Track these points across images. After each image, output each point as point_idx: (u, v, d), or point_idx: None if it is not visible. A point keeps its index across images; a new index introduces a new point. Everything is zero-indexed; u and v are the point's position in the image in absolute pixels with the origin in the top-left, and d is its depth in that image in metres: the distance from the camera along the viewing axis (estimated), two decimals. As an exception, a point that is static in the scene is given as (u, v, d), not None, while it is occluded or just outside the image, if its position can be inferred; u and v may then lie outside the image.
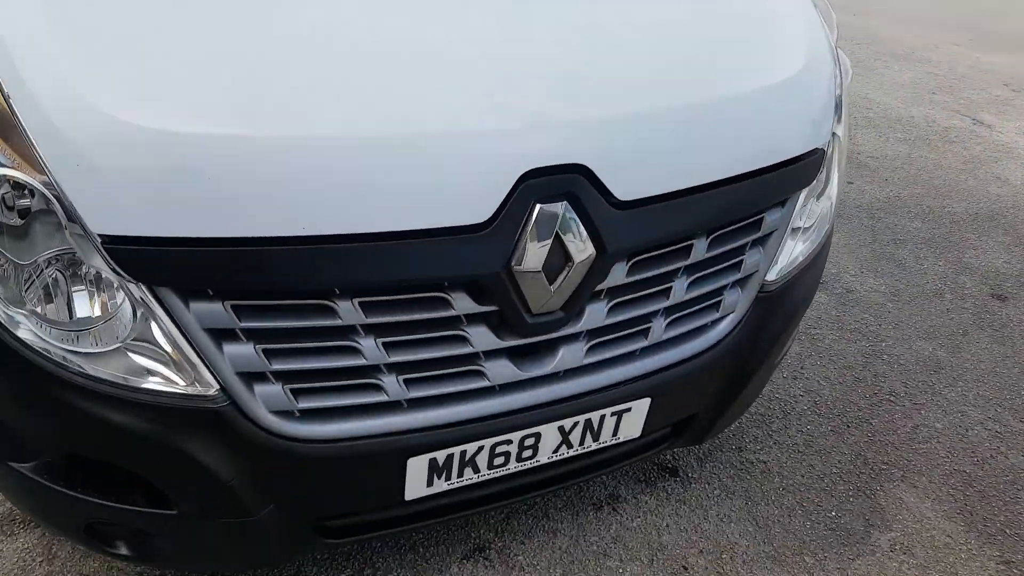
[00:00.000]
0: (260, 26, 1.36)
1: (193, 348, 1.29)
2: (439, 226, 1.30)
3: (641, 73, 1.53)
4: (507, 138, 1.36)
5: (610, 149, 1.42)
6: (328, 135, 1.27)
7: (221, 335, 1.30)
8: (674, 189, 1.48)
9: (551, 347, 1.52)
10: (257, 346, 1.31)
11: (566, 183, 1.37)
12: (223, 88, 1.26)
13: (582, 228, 1.38)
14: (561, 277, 1.40)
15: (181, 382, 1.32)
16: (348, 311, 1.32)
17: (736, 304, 1.73)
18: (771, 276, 1.78)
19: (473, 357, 1.45)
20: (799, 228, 1.81)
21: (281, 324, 1.31)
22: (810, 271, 1.91)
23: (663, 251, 1.53)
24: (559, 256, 1.38)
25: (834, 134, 1.80)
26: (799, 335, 2.97)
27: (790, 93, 1.67)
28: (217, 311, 1.27)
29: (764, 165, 1.60)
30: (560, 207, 1.36)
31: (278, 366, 1.34)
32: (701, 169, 1.52)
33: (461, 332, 1.41)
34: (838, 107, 1.83)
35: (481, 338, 1.43)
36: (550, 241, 1.37)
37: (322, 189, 1.25)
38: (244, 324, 1.28)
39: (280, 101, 1.27)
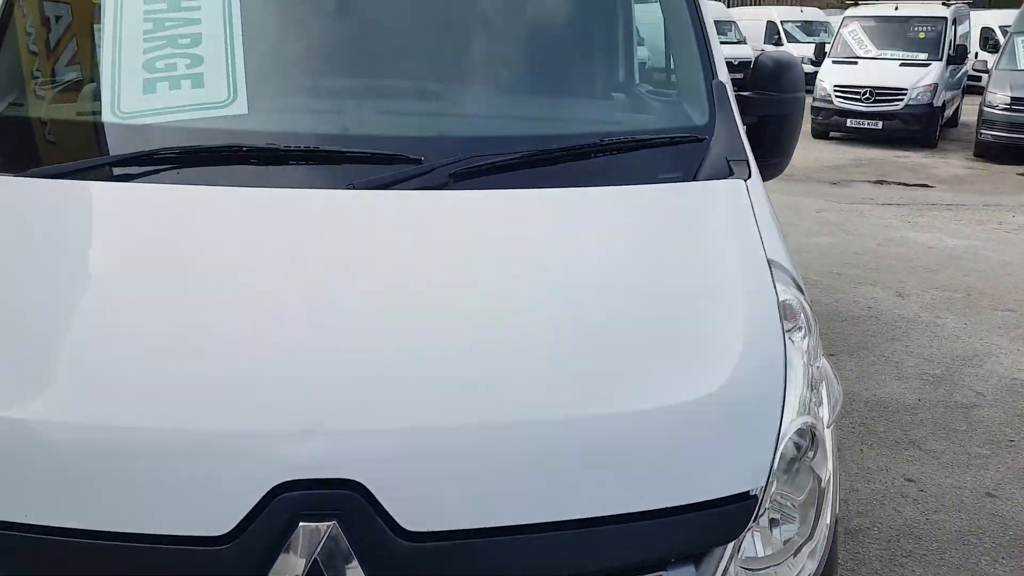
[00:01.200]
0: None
1: None
2: (171, 534, 1.12)
3: (470, 379, 1.30)
4: (264, 441, 1.16)
5: (397, 467, 1.18)
6: (48, 419, 1.16)
7: None
8: (492, 525, 1.19)
9: None
10: None
11: (337, 501, 1.14)
12: None
13: (353, 559, 1.14)
14: None
15: None
16: None
17: None
18: None
19: None
20: None
21: None
22: None
23: None
24: None
25: (816, 476, 1.46)
26: None
27: (699, 417, 1.34)
28: None
29: (647, 508, 1.26)
30: (324, 528, 1.13)
31: None
32: (544, 503, 1.21)
33: None
34: (815, 442, 1.48)
35: None
36: (304, 566, 1.13)
37: (41, 477, 1.14)
38: None
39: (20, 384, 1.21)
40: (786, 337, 1.55)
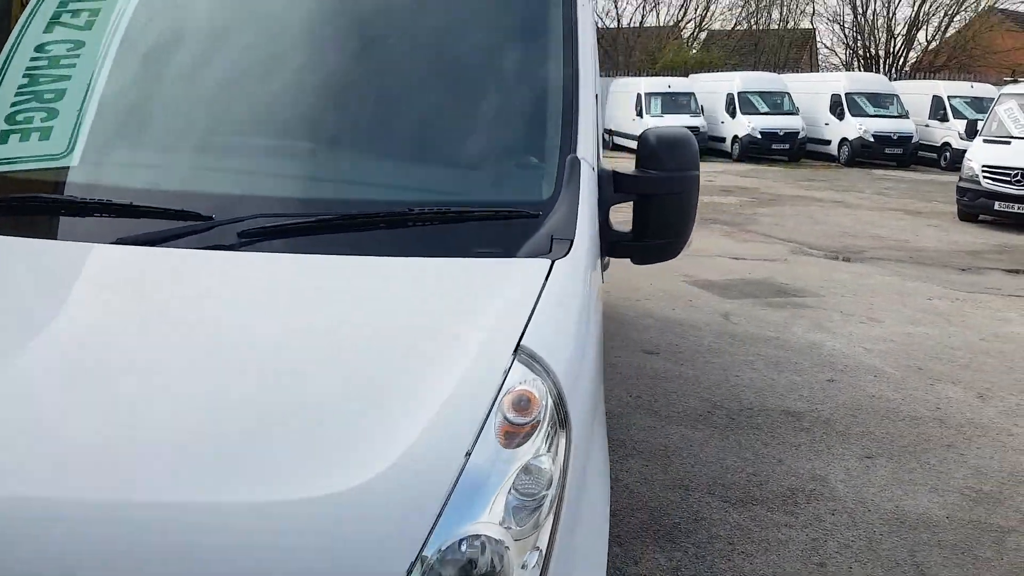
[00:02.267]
0: None
1: None
2: None
3: (141, 457, 1.31)
4: None
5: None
6: None
7: None
8: None
9: None
10: None
11: None
12: None
13: None
14: None
15: None
16: None
17: None
18: None
19: None
20: None
21: None
22: None
23: None
24: None
25: None
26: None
27: (342, 513, 1.27)
28: None
29: None
30: None
31: None
32: None
33: None
34: (491, 560, 1.30)
35: None
36: None
37: None
38: None
39: None
40: (494, 433, 1.39)
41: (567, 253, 1.81)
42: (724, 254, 9.94)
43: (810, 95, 24.85)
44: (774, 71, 28.36)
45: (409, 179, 2.06)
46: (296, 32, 2.20)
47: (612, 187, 2.11)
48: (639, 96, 25.41)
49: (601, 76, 25.86)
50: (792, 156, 24.15)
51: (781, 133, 23.76)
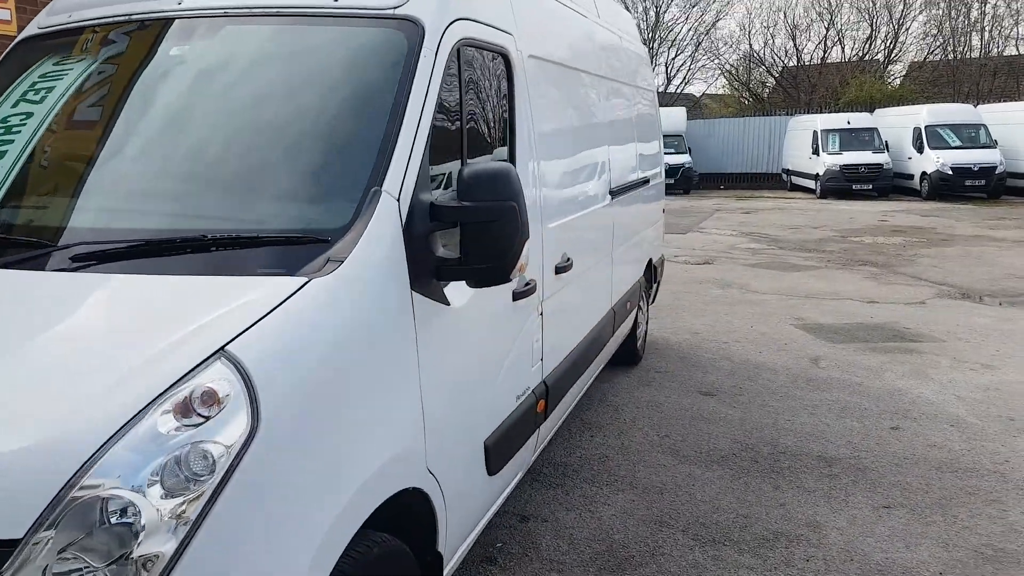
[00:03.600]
0: None
1: None
2: None
3: None
4: None
5: None
6: None
7: None
8: None
9: None
10: None
11: None
12: None
13: None
14: None
15: None
16: None
17: None
18: None
19: None
20: None
21: None
22: None
23: None
24: None
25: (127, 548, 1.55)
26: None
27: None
28: None
29: None
30: None
31: None
32: None
33: None
34: (134, 516, 1.58)
35: None
36: None
37: None
38: None
39: None
40: (165, 415, 1.67)
41: (329, 273, 2.06)
42: (857, 297, 9.44)
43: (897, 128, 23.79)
44: (976, 102, 26.10)
45: (228, 210, 2.38)
46: (155, 95, 2.70)
47: (429, 217, 2.37)
48: (815, 133, 24.38)
49: (775, 115, 24.79)
50: (990, 193, 22.05)
51: (975, 168, 21.78)
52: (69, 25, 3.00)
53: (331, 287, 2.06)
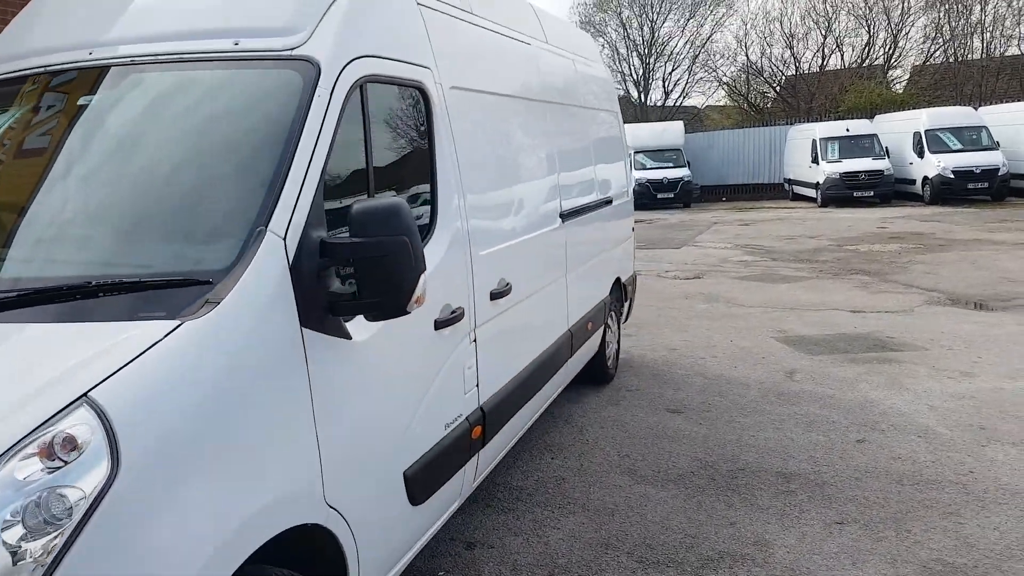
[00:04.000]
0: None
1: None
2: None
3: None
4: None
5: None
6: None
7: None
8: None
9: None
10: None
11: None
12: None
13: None
14: None
15: None
16: None
17: None
18: None
19: None
20: None
21: None
22: None
23: None
24: None
25: None
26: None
27: None
28: None
29: None
30: None
31: None
32: None
33: None
34: None
35: None
36: None
37: None
38: None
39: None
40: (26, 459, 1.72)
41: (204, 315, 2.08)
42: (844, 307, 9.40)
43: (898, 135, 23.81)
44: (979, 104, 25.96)
45: (115, 255, 2.43)
46: (56, 143, 2.75)
47: (319, 255, 2.39)
48: (814, 142, 24.34)
49: (776, 125, 24.83)
50: (994, 195, 21.90)
51: (977, 171, 21.64)
52: None
53: (205, 329, 2.08)
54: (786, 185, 27.61)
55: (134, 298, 2.22)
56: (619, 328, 6.82)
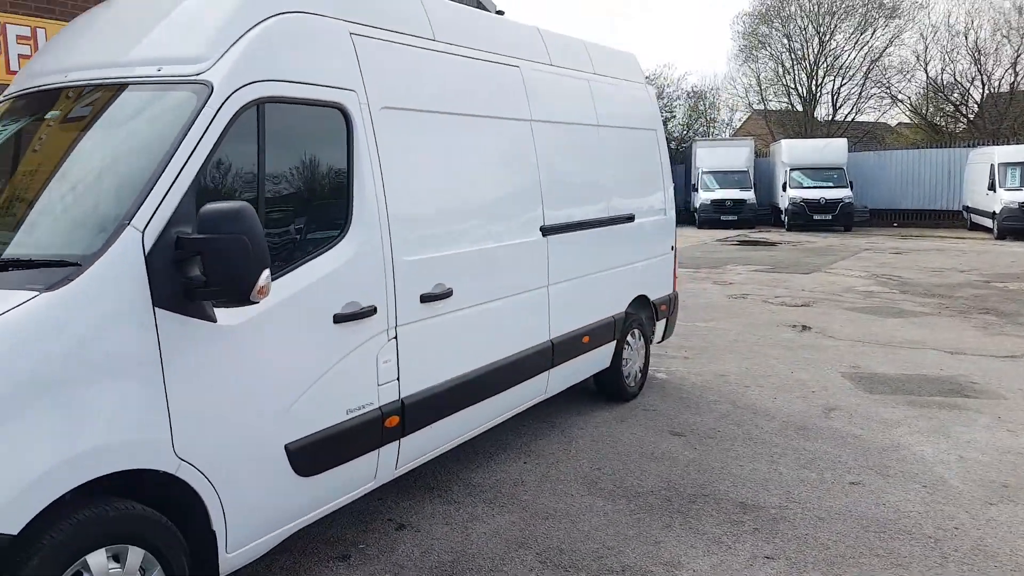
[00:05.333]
0: None
1: None
2: None
3: None
4: None
5: None
6: None
7: None
8: None
9: None
10: None
11: None
12: None
13: None
14: None
15: None
16: None
17: None
18: None
19: None
20: None
21: None
22: None
23: None
24: None
25: None
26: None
27: None
28: None
29: None
30: None
31: None
32: None
33: None
34: None
35: None
36: None
37: None
38: None
39: None
40: None
41: (60, 287, 2.59)
42: (944, 348, 8.74)
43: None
44: None
45: (25, 240, 2.99)
46: (17, 150, 3.50)
47: (174, 247, 2.82)
48: (992, 167, 22.27)
49: (957, 147, 23.48)
50: None
51: None
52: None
53: (55, 299, 2.59)
54: (964, 213, 25.45)
55: (23, 273, 2.77)
56: (646, 347, 6.81)
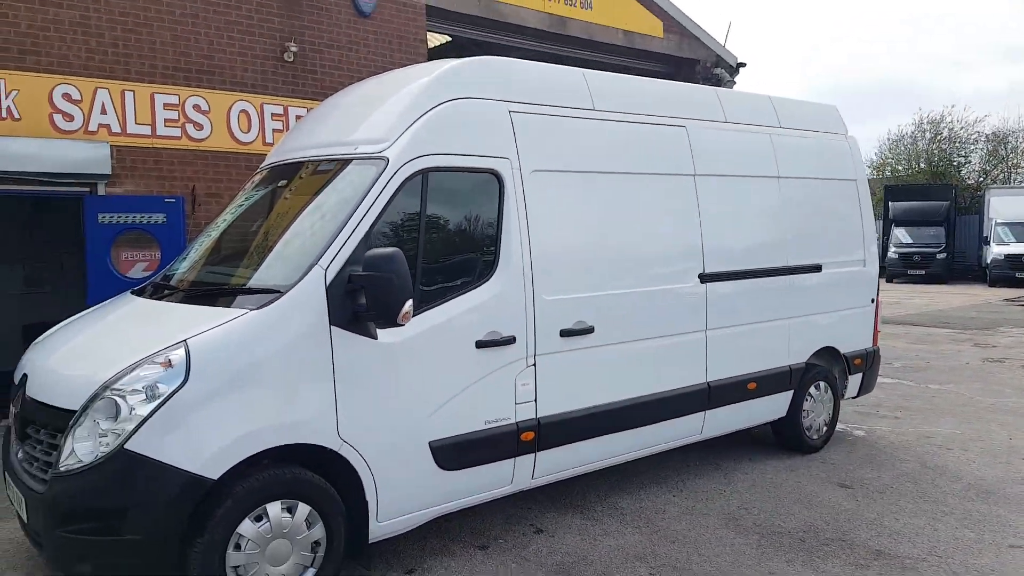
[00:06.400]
0: None
1: None
2: None
3: None
4: None
5: None
6: None
7: None
8: None
9: None
10: None
11: None
12: None
13: None
14: None
15: None
16: None
17: None
18: None
19: None
20: None
21: None
22: None
23: None
24: None
25: None
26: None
27: None
28: None
29: None
30: None
31: None
32: None
33: None
34: None
35: None
36: None
37: None
38: None
39: None
40: (147, 365, 3.55)
41: (263, 308, 3.70)
42: None
43: None
44: None
45: (241, 272, 4.31)
46: (257, 210, 4.87)
47: (347, 281, 3.82)
48: None
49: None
50: None
51: None
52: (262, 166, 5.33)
53: (259, 316, 3.75)
54: None
55: (239, 297, 4.01)
56: (835, 400, 6.75)
